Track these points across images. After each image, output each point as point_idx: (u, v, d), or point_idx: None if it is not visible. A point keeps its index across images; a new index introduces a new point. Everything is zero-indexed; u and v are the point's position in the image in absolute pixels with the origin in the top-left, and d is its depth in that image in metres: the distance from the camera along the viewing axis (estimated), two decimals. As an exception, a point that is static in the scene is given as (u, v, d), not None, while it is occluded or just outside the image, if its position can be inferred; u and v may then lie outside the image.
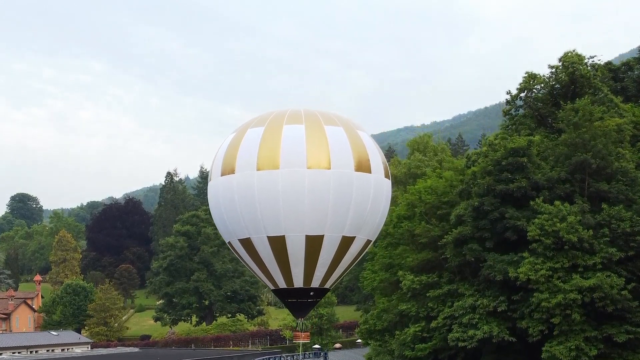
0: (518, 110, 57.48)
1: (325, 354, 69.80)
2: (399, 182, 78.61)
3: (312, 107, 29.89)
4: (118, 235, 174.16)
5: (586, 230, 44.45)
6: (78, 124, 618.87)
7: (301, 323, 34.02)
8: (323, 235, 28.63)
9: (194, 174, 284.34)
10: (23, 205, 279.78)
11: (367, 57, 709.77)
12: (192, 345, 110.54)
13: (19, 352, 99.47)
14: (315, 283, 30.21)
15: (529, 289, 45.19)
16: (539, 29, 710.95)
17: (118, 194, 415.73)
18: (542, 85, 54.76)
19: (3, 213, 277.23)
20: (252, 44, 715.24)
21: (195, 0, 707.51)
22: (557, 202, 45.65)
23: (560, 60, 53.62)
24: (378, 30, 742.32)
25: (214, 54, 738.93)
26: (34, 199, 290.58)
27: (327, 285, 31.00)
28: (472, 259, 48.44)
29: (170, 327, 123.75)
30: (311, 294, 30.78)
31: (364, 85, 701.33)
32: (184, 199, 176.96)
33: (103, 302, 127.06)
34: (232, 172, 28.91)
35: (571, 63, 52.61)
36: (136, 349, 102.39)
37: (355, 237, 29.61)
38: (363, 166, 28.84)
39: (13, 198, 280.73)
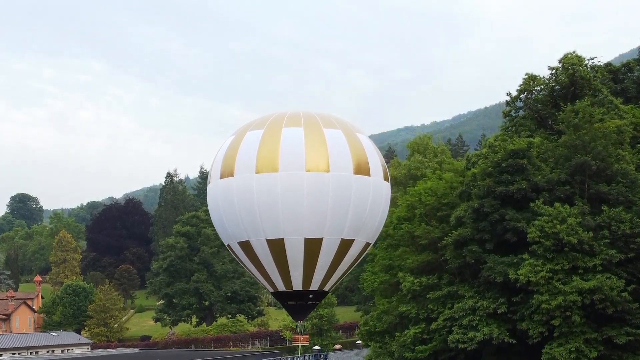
0: (518, 112, 57.47)
1: (326, 356, 69.79)
2: (399, 183, 78.59)
3: (312, 108, 29.96)
4: (118, 236, 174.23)
5: (586, 232, 44.45)
6: (78, 124, 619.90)
7: (300, 326, 34.01)
8: (322, 238, 28.60)
9: (194, 174, 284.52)
10: (23, 205, 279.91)
11: (367, 57, 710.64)
12: (192, 346, 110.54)
13: (19, 353, 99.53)
14: (314, 286, 30.16)
15: (529, 291, 45.18)
16: (539, 29, 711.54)
17: (118, 194, 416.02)
18: (542, 86, 54.78)
19: (3, 213, 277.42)
20: (253, 44, 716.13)
21: (195, 0, 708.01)
22: (557, 204, 45.64)
23: (560, 61, 53.65)
24: (378, 30, 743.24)
25: (214, 54, 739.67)
26: (34, 199, 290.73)
27: (326, 288, 30.96)
28: (472, 261, 48.43)
29: (170, 327, 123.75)
30: (310, 296, 30.72)
31: (364, 85, 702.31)
32: (184, 200, 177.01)
33: (103, 303, 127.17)
34: (231, 174, 28.89)
35: (571, 65, 52.63)
36: (136, 350, 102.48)
37: (354, 239, 29.58)
38: (362, 169, 28.81)
39: (13, 198, 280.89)
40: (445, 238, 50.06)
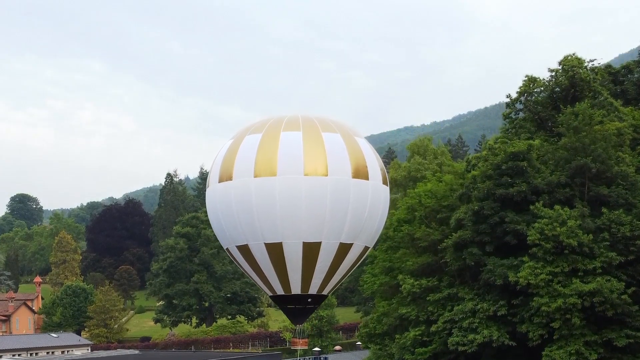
0: (518, 114, 57.43)
1: (326, 358, 69.68)
2: (399, 185, 78.67)
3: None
4: (118, 237, 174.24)
5: (586, 235, 44.37)
6: (78, 124, 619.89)
7: (298, 329, 33.97)
8: (320, 242, 28.58)
9: (194, 175, 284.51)
10: (23, 205, 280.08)
11: (367, 57, 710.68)
12: (192, 347, 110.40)
13: (19, 355, 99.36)
14: (313, 290, 30.14)
15: (529, 293, 45.08)
16: (538, 29, 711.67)
17: (118, 194, 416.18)
18: (542, 88, 54.73)
19: (3, 214, 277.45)
20: (252, 43, 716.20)
21: (195, 0, 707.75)
22: (557, 207, 45.56)
23: (560, 63, 53.59)
24: (378, 30, 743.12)
25: (214, 54, 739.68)
26: (34, 200, 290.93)
27: (325, 292, 30.93)
28: (472, 263, 48.34)
29: (170, 328, 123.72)
30: (309, 300, 30.72)
31: (364, 85, 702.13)
32: (183, 200, 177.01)
33: (103, 304, 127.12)
34: (230, 178, 28.87)
35: (571, 67, 52.57)
36: (136, 351, 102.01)
37: (352, 243, 29.54)
38: (360, 173, 28.76)
39: (13, 199, 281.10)
40: (445, 240, 49.98)
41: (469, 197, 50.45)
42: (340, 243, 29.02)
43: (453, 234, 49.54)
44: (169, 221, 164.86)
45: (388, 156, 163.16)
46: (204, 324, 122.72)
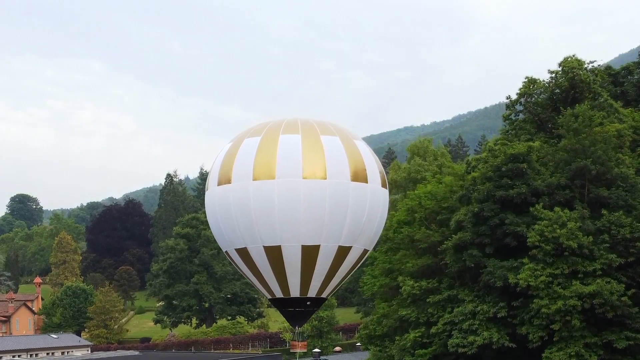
0: (518, 115, 57.42)
1: (326, 359, 69.63)
2: (399, 186, 78.67)
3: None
4: (118, 237, 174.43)
5: (586, 237, 44.31)
6: (78, 124, 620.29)
7: (297, 332, 33.94)
8: (319, 245, 28.52)
9: (194, 175, 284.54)
10: (23, 206, 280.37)
11: (367, 57, 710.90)
12: (192, 348, 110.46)
13: (19, 356, 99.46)
14: (312, 293, 30.08)
15: (528, 295, 45.04)
16: (539, 29, 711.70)
17: (118, 194, 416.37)
18: (542, 90, 54.71)
19: (3, 214, 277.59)
20: (252, 43, 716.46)
21: (195, 0, 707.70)
22: (557, 208, 45.52)
23: (560, 65, 53.56)
24: (378, 30, 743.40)
25: (214, 54, 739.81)
26: (34, 200, 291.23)
27: (324, 295, 30.86)
28: (472, 265, 48.30)
29: (170, 329, 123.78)
30: (308, 303, 30.69)
31: (364, 85, 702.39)
32: (183, 201, 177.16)
33: (103, 305, 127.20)
34: (229, 182, 28.84)
35: (571, 68, 52.54)
36: (136, 352, 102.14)
37: (351, 246, 29.47)
38: (359, 176, 28.70)
39: (13, 199, 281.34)
40: (445, 242, 49.93)
41: (469, 198, 50.42)
42: (339, 246, 28.97)
43: (453, 235, 49.50)
44: (169, 222, 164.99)
45: (388, 156, 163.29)
46: (204, 325, 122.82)
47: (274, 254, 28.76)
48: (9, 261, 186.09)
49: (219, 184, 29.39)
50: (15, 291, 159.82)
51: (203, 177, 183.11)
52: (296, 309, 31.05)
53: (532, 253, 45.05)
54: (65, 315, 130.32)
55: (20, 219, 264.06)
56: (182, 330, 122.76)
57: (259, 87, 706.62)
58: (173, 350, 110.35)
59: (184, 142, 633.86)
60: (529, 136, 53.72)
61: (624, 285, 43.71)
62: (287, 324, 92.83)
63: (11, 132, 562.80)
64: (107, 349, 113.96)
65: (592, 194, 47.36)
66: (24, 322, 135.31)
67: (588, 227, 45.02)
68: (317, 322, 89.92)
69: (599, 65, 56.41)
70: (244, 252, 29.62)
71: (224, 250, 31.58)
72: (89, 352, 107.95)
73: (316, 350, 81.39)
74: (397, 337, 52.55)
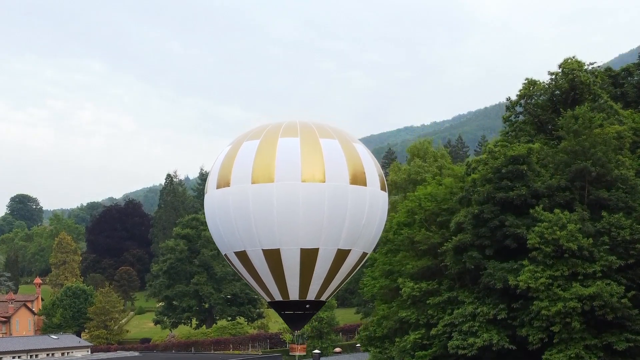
0: (518, 117, 57.37)
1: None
2: (399, 187, 78.68)
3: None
4: (118, 237, 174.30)
5: (586, 238, 44.27)
6: (78, 124, 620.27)
7: (296, 335, 33.89)
8: (318, 249, 28.51)
9: (194, 175, 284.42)
10: (23, 206, 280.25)
11: (367, 57, 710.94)
12: (192, 349, 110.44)
13: (19, 357, 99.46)
14: (311, 296, 30.06)
15: (528, 297, 45.02)
16: (539, 29, 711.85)
17: (118, 194, 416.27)
18: (542, 91, 54.66)
19: (3, 214, 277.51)
20: (252, 43, 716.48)
21: (195, 0, 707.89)
22: (557, 210, 45.48)
23: (560, 66, 53.52)
24: (378, 30, 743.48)
25: (214, 54, 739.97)
26: (34, 200, 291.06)
27: (323, 298, 30.84)
28: (472, 267, 48.25)
29: (170, 330, 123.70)
30: (307, 306, 30.66)
31: (364, 85, 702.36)
32: (183, 201, 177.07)
33: (103, 305, 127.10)
34: (228, 185, 28.81)
35: (571, 70, 52.49)
36: (136, 353, 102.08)
37: (350, 249, 29.44)
38: (358, 179, 28.67)
39: (13, 199, 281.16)
40: (445, 244, 49.88)
41: (469, 200, 50.37)
42: (338, 249, 28.95)
43: (453, 237, 49.46)
44: (169, 222, 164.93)
45: (388, 157, 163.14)
46: (204, 326, 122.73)
47: (273, 257, 28.73)
48: (9, 261, 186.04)
49: (218, 187, 29.36)
50: (15, 292, 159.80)
51: (203, 177, 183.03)
52: (295, 312, 31.02)
53: (532, 255, 45.01)
54: (65, 316, 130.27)
55: (20, 219, 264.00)
56: (182, 331, 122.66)
57: (259, 87, 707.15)
58: (173, 351, 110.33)
59: (184, 142, 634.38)
60: (529, 138, 53.66)
61: (624, 287, 43.69)
62: (287, 325, 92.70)
63: (11, 132, 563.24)
64: (107, 350, 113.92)
65: (592, 195, 47.31)
66: (24, 323, 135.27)
67: (588, 229, 44.98)
68: (317, 322, 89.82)
69: (598, 66, 56.37)
70: (243, 256, 29.60)
71: (223, 254, 31.56)
72: (89, 353, 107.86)
73: (316, 351, 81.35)
74: (397, 339, 52.53)
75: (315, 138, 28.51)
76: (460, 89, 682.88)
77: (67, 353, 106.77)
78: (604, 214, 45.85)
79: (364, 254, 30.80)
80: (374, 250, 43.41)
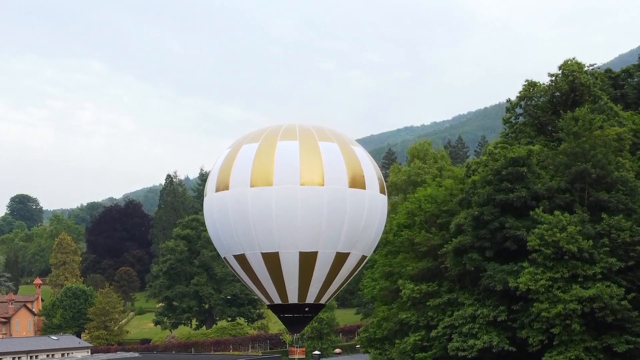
0: (518, 118, 57.38)
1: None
2: (399, 189, 78.70)
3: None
4: (118, 238, 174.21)
5: (586, 240, 44.28)
6: (78, 124, 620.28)
7: (295, 338, 33.80)
8: (317, 252, 28.39)
9: (194, 175, 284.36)
10: (23, 206, 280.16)
11: (367, 57, 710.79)
12: (192, 350, 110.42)
13: (19, 358, 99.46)
14: (310, 299, 29.93)
15: (528, 299, 45.03)
16: (539, 29, 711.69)
17: (118, 194, 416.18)
18: (542, 93, 54.64)
19: (3, 214, 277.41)
20: (252, 43, 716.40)
21: (195, 0, 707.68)
22: (557, 212, 45.47)
23: (560, 68, 53.52)
24: (378, 30, 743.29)
25: (214, 54, 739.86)
26: (34, 200, 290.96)
27: (322, 301, 30.70)
28: (472, 269, 48.26)
29: (170, 330, 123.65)
30: (306, 309, 30.56)
31: (364, 85, 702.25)
32: (183, 202, 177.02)
33: (103, 306, 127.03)
34: (226, 188, 28.70)
35: (571, 71, 52.48)
36: (136, 354, 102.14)
37: (349, 253, 29.30)
38: (357, 182, 28.54)
39: (13, 199, 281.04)
40: (445, 245, 49.89)
41: (469, 202, 50.37)
42: (337, 252, 28.83)
43: (453, 239, 49.47)
44: (169, 223, 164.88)
45: (388, 157, 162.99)
46: (204, 326, 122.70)
47: (272, 260, 28.62)
48: (9, 262, 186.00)
49: (217, 190, 29.27)
50: (15, 292, 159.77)
51: (203, 177, 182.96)
52: (294, 315, 30.94)
53: (532, 257, 45.02)
54: (65, 317, 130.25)
55: (20, 219, 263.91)
56: (182, 332, 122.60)
57: (259, 87, 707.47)
58: (173, 352, 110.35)
59: (184, 142, 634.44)
60: (529, 139, 53.66)
61: (623, 289, 43.76)
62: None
63: (11, 132, 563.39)
64: (107, 351, 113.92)
65: (592, 197, 47.30)
66: (24, 324, 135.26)
67: (588, 230, 44.97)
68: (317, 323, 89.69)
69: (598, 68, 56.34)
70: (241, 259, 29.51)
71: (222, 257, 31.49)
72: (89, 353, 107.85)
73: (316, 352, 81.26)
74: (397, 341, 52.54)
75: (314, 141, 28.41)
76: (460, 89, 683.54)
77: (67, 354, 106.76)
78: (604, 215, 45.85)
79: (363, 257, 30.71)
80: (374, 251, 43.28)
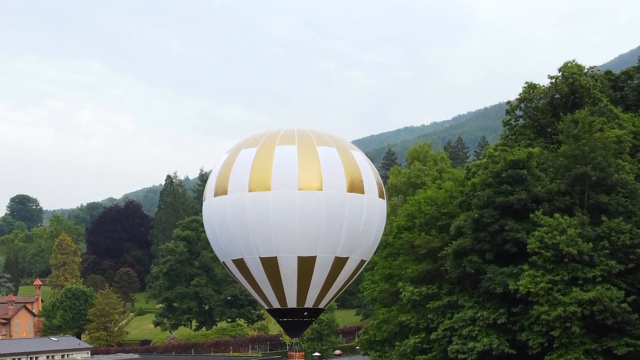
0: (518, 120, 57.32)
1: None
2: (399, 191, 78.70)
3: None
4: (118, 239, 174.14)
5: (586, 243, 44.18)
6: (78, 124, 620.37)
7: (294, 342, 33.78)
8: (315, 257, 28.42)
9: (194, 175, 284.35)
10: (23, 207, 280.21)
11: (367, 57, 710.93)
12: (192, 351, 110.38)
13: (19, 359, 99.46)
14: (309, 303, 29.99)
15: (528, 302, 44.92)
16: (539, 29, 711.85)
17: (118, 194, 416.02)
18: (542, 95, 54.57)
19: (3, 215, 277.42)
20: (252, 43, 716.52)
21: (195, 0, 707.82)
22: (556, 215, 45.37)
23: (559, 70, 53.45)
24: (378, 30, 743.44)
25: (214, 54, 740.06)
26: (34, 201, 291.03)
27: (321, 305, 30.74)
28: (472, 271, 48.14)
29: (170, 331, 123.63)
30: (305, 314, 30.61)
31: (364, 85, 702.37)
32: (183, 202, 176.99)
33: (103, 307, 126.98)
34: (225, 193, 28.74)
35: (571, 73, 52.40)
36: (136, 355, 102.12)
37: (348, 257, 29.33)
38: (356, 187, 28.56)
39: (13, 200, 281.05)
40: (445, 248, 49.78)
41: (469, 204, 50.27)
42: (336, 257, 28.85)
43: (453, 241, 49.35)
44: (169, 223, 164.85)
45: (388, 158, 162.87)
46: (204, 327, 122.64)
47: (271, 265, 28.65)
48: (8, 263, 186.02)
49: (215, 195, 29.31)
50: (15, 293, 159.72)
51: (203, 178, 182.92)
52: (293, 319, 30.94)
53: (532, 259, 44.92)
54: (65, 318, 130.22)
55: (20, 219, 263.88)
56: (182, 333, 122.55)
57: (259, 87, 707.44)
58: (173, 353, 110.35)
59: (184, 142, 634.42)
60: (529, 141, 53.57)
61: (623, 292, 43.62)
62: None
63: (11, 132, 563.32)
64: (107, 352, 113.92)
65: (592, 200, 47.21)
66: (24, 325, 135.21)
67: (588, 233, 44.89)
68: (317, 324, 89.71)
69: (598, 69, 56.25)
70: (240, 263, 29.54)
71: (221, 261, 31.49)
72: (89, 355, 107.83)
73: (316, 354, 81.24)
74: (397, 343, 52.46)
75: (312, 146, 28.41)
76: (460, 89, 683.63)
77: (67, 355, 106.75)
78: (604, 218, 45.77)
79: (362, 262, 30.72)
80: (374, 254, 43.22)
